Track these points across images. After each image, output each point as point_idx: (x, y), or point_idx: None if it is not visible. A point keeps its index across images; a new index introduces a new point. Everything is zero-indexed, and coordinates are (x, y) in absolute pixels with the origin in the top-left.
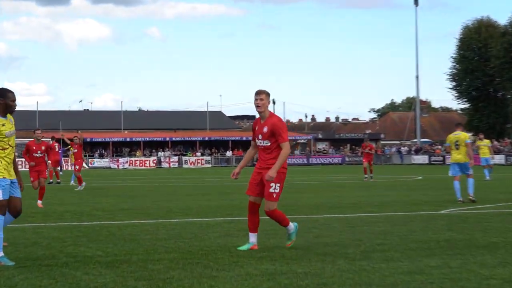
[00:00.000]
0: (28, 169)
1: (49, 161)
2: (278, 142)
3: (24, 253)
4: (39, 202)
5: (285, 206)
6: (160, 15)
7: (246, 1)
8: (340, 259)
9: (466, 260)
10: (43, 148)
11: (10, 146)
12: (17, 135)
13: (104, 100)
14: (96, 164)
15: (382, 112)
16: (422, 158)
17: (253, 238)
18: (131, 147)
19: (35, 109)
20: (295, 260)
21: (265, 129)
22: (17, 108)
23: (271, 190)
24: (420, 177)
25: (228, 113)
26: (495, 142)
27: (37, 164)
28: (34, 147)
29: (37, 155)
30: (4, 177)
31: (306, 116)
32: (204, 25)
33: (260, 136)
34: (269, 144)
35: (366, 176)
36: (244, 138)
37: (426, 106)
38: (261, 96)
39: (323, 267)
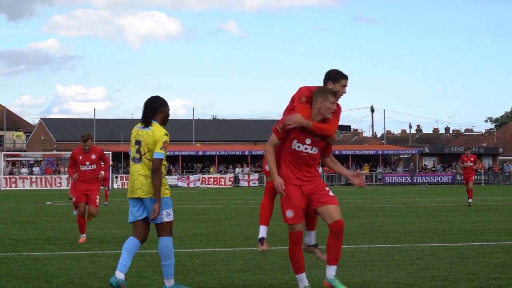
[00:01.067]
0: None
1: (102, 172)
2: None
3: (79, 285)
4: (83, 236)
5: (386, 233)
6: (240, 6)
7: None
8: None
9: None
10: (93, 157)
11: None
12: (70, 148)
13: (173, 107)
14: None
15: (501, 122)
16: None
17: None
18: (203, 162)
19: (92, 117)
20: None
21: None
22: (71, 116)
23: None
24: None
25: None
26: None
27: (84, 181)
28: (80, 157)
29: (86, 168)
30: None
31: (410, 127)
32: (292, 18)
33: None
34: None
35: (470, 200)
36: (336, 152)
37: None
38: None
39: None
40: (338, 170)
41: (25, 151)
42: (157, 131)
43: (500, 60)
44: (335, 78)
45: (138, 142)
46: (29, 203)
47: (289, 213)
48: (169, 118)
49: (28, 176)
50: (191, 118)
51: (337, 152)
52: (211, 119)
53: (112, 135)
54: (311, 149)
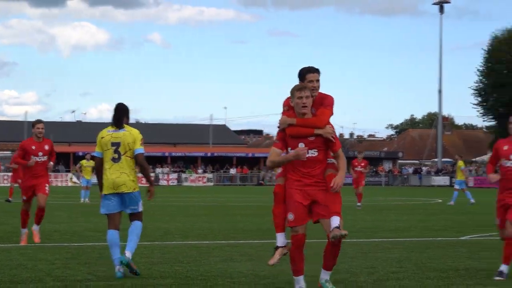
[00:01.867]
0: (12, 182)
1: (51, 163)
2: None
3: (8, 276)
4: (36, 228)
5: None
6: (163, 19)
7: (258, 6)
8: (351, 287)
9: None
10: (46, 148)
11: None
12: (3, 147)
13: (99, 111)
14: None
15: (401, 129)
16: (443, 180)
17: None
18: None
19: (24, 119)
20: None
21: None
22: (5, 118)
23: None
24: (440, 200)
25: (234, 127)
26: None
27: (36, 173)
28: (33, 147)
29: (39, 159)
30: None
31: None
32: (211, 31)
33: None
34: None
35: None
36: (250, 155)
37: (448, 123)
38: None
39: None
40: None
41: None
42: (133, 131)
43: (400, 72)
44: (302, 75)
45: (115, 144)
46: None
47: (290, 216)
48: (88, 121)
49: None
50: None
51: (250, 155)
52: (135, 122)
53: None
54: (308, 152)
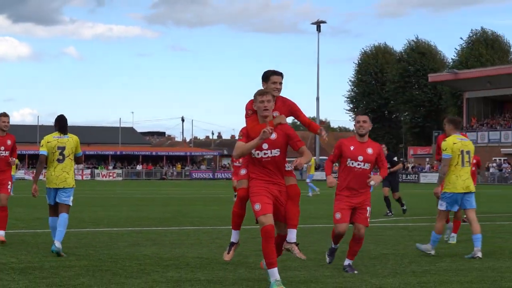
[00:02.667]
0: None
1: (14, 159)
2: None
3: None
4: (2, 233)
5: (192, 218)
6: (78, 35)
7: (160, 24)
8: (242, 267)
9: (359, 270)
10: (8, 142)
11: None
12: None
13: (21, 115)
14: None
15: None
16: (320, 175)
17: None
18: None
19: None
20: (199, 268)
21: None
22: None
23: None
24: (319, 193)
25: (140, 129)
26: None
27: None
28: None
29: (0, 154)
30: None
31: (212, 134)
32: (120, 45)
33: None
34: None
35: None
36: (154, 153)
37: (325, 126)
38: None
39: (225, 275)
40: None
41: None
42: (74, 137)
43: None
44: (265, 77)
45: (61, 148)
46: None
47: (257, 206)
48: (12, 124)
49: None
50: (37, 124)
51: (154, 153)
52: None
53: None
54: (271, 152)
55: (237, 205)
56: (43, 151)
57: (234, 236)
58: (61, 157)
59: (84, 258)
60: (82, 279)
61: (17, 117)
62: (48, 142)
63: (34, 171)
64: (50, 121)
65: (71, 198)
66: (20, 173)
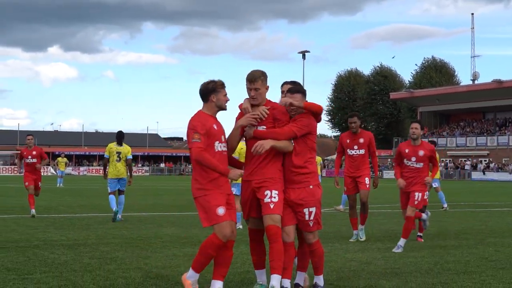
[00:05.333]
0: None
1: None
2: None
3: (4, 238)
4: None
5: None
6: (115, 61)
7: (180, 53)
8: (242, 244)
9: (334, 247)
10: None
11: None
12: (1, 149)
13: (70, 123)
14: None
15: None
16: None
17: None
18: (89, 159)
19: (17, 129)
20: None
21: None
22: (2, 128)
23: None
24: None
25: (163, 135)
26: None
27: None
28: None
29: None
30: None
31: None
32: (147, 69)
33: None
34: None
35: None
36: (174, 154)
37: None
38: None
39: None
40: None
41: None
42: (127, 147)
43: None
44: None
45: (118, 153)
46: None
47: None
48: (62, 131)
49: None
50: (82, 131)
51: (174, 154)
52: (94, 131)
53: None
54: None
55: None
56: (106, 155)
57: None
58: (118, 159)
59: (119, 237)
60: (117, 253)
61: (66, 125)
62: (110, 148)
63: (79, 168)
64: (93, 128)
65: (125, 184)
66: (68, 169)
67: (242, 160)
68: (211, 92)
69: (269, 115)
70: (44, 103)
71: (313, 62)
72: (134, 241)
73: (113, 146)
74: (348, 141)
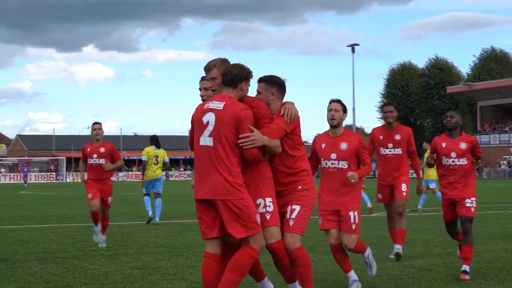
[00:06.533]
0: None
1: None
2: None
3: (42, 248)
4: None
5: None
6: (153, 60)
7: (221, 49)
8: None
9: (391, 253)
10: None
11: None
12: (37, 155)
13: (108, 127)
14: None
15: None
16: None
17: None
18: (127, 164)
19: (52, 134)
20: None
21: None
22: (38, 133)
23: None
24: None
25: None
26: None
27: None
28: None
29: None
30: None
31: None
32: (187, 68)
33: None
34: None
35: None
36: None
37: (360, 132)
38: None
39: None
40: None
41: (5, 157)
42: (163, 150)
43: (324, 96)
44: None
45: (156, 156)
46: (8, 192)
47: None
48: (105, 134)
49: (7, 174)
50: (120, 134)
51: None
52: (133, 135)
53: (66, 146)
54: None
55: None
56: (144, 158)
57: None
58: (156, 162)
59: (162, 246)
60: (160, 263)
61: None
62: (148, 152)
63: (118, 173)
64: (131, 131)
65: (162, 186)
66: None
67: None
68: (244, 79)
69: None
70: (80, 106)
71: (363, 55)
72: (178, 250)
73: (150, 150)
74: (381, 137)
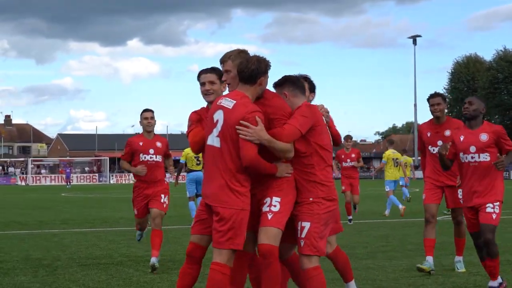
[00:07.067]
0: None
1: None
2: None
3: (85, 254)
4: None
5: None
6: (201, 54)
7: (273, 42)
8: (350, 259)
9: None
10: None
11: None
12: (79, 155)
13: None
14: None
15: (386, 135)
16: (417, 174)
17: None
18: (175, 165)
19: (95, 133)
20: None
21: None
22: (80, 132)
23: None
24: (417, 190)
25: None
26: None
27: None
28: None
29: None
30: None
31: None
32: None
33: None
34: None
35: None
36: None
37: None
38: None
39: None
40: None
41: (46, 157)
42: None
43: (385, 91)
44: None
45: (197, 157)
46: (49, 194)
47: None
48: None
49: (48, 175)
50: (166, 132)
51: None
52: (180, 133)
53: (110, 146)
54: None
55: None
56: (182, 160)
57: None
58: (198, 162)
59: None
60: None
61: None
62: (187, 154)
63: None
64: (178, 130)
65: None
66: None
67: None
68: (263, 73)
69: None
70: (124, 103)
71: (425, 47)
72: None
73: (189, 150)
74: (428, 134)
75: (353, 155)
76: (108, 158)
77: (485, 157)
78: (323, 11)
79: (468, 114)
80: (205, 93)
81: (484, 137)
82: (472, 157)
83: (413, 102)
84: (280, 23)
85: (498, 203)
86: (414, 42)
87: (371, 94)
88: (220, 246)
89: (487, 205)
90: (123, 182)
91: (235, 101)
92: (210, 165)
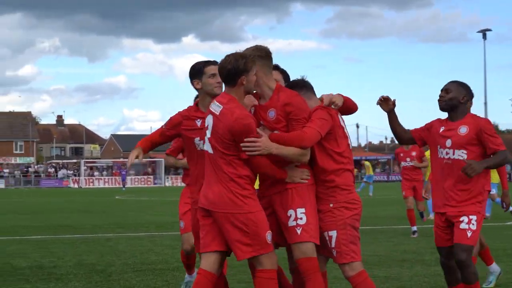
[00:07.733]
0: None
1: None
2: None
3: (140, 259)
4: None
5: (366, 218)
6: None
7: (335, 37)
8: (417, 265)
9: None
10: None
11: None
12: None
13: None
14: None
15: None
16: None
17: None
18: None
19: (149, 133)
20: (377, 265)
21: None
22: (134, 132)
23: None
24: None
25: None
26: None
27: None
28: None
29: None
30: None
31: (386, 138)
32: (298, 58)
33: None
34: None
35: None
36: None
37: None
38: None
39: (401, 271)
40: None
41: (99, 158)
42: None
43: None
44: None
45: None
46: (103, 197)
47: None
48: None
49: (102, 177)
50: None
51: None
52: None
53: (164, 147)
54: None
55: None
56: None
57: None
58: None
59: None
60: (243, 276)
61: None
62: None
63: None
64: None
65: None
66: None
67: None
68: (243, 71)
69: (281, 113)
70: (179, 102)
71: (496, 42)
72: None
73: None
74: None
75: (413, 153)
76: (163, 160)
77: (460, 155)
78: (387, 5)
79: (442, 103)
80: (215, 86)
81: (463, 129)
82: (446, 153)
83: (483, 101)
84: (342, 18)
85: (475, 216)
86: (484, 37)
87: (438, 91)
88: (245, 256)
89: (462, 219)
90: (178, 184)
91: (221, 106)
92: (206, 169)
